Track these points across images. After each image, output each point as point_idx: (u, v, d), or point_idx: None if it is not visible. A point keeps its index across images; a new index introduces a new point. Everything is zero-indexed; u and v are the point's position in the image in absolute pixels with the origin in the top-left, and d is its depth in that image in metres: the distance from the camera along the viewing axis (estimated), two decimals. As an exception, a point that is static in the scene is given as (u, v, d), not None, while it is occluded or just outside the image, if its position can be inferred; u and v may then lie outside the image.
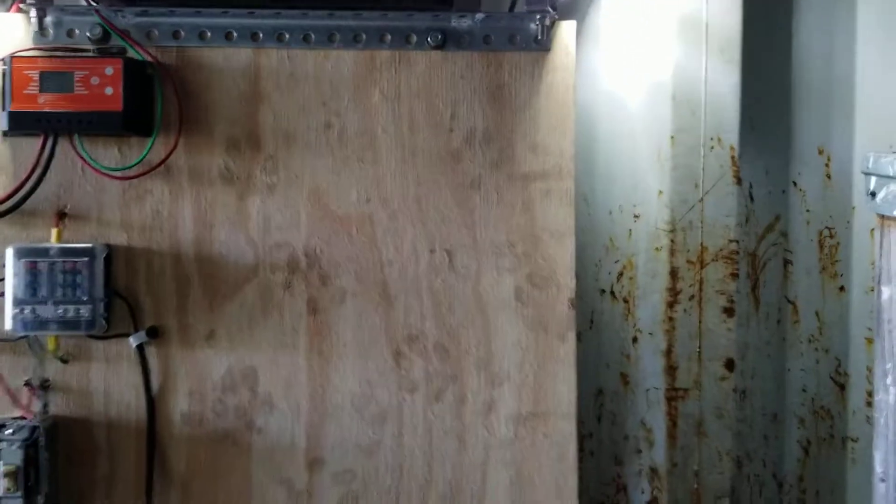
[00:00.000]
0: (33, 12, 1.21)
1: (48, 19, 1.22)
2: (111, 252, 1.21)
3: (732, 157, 1.40)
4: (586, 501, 1.43)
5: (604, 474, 1.46)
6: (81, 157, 1.20)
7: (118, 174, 1.21)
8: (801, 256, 1.45)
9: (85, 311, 1.18)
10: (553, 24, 1.26)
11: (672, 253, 1.41)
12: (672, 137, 1.40)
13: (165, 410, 1.22)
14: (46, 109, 1.17)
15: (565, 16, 1.29)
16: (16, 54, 1.18)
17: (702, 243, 1.41)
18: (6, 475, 1.14)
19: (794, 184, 1.45)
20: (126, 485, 1.21)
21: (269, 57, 1.25)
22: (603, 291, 1.46)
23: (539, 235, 1.25)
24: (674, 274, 1.41)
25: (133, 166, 1.21)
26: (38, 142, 1.18)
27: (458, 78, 1.26)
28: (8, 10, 1.27)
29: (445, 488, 1.24)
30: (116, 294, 1.21)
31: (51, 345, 1.19)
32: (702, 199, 1.40)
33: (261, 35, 1.24)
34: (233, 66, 1.24)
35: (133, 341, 1.21)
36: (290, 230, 1.25)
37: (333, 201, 1.25)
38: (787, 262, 1.46)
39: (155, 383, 1.22)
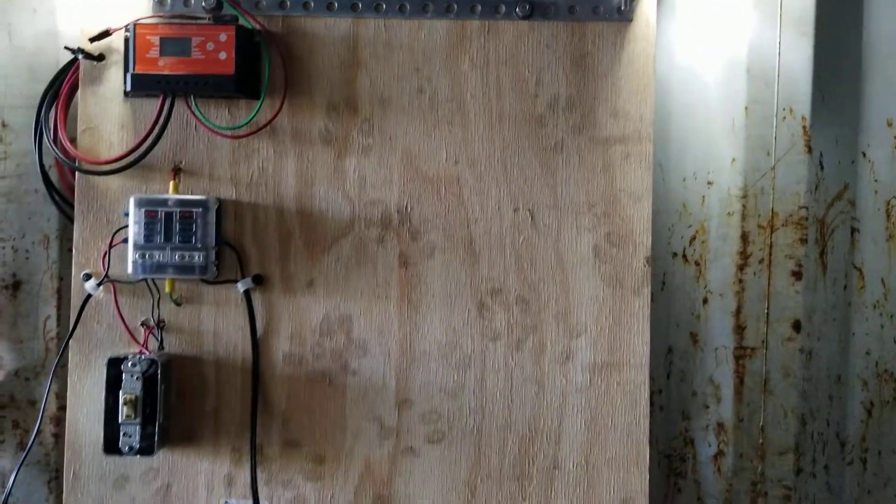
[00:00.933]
0: (154, -17, 1.32)
1: (167, -11, 1.33)
2: (221, 205, 1.32)
3: (804, 128, 1.46)
4: (655, 454, 1.49)
5: (672, 429, 1.53)
6: (196, 117, 1.30)
7: (228, 133, 1.32)
8: (869, 225, 1.50)
9: (198, 257, 1.28)
10: (635, -5, 1.33)
11: (743, 218, 1.47)
12: (746, 108, 1.45)
13: (268, 351, 1.32)
14: (166, 72, 1.27)
15: (647, -9, 1.36)
16: (139, 21, 1.28)
17: (772, 209, 1.46)
18: (126, 403, 1.25)
19: (864, 154, 1.50)
20: (231, 418, 1.32)
21: (366, 26, 1.33)
22: (675, 255, 1.52)
23: (618, 196, 1.33)
24: (745, 238, 1.47)
25: (242, 126, 1.31)
26: (157, 102, 1.29)
27: (544, 47, 1.33)
28: (129, -18, 1.39)
29: (524, 429, 1.32)
30: (226, 243, 1.31)
31: (168, 287, 1.30)
32: (773, 167, 1.46)
33: (360, 6, 1.33)
34: (333, 34, 1.33)
35: (240, 287, 1.31)
36: (384, 189, 1.34)
37: (424, 162, 1.34)
38: (854, 230, 1.51)
39: (259, 326, 1.32)
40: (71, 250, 1.33)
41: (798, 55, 1.44)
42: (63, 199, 1.40)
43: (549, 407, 1.32)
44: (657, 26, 1.34)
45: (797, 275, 1.48)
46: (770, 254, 1.47)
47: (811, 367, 1.50)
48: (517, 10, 1.33)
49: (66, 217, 1.39)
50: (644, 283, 1.32)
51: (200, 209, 1.29)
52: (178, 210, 1.28)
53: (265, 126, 1.32)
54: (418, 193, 1.34)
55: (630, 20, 1.33)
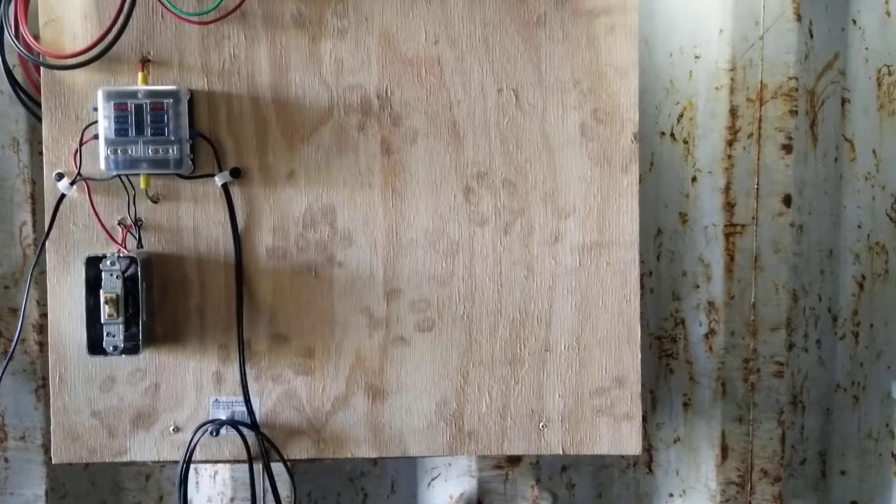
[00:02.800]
0: None
1: None
2: (193, 95, 1.27)
3: (793, -6, 1.41)
4: (646, 336, 1.49)
5: (662, 310, 1.52)
6: (161, 3, 1.24)
7: (196, 18, 1.26)
8: (859, 94, 1.47)
9: (172, 150, 1.24)
10: None
11: (732, 91, 1.43)
12: (733, -25, 1.41)
13: (251, 245, 1.29)
14: (126, -45, 1.22)
15: None
16: None
17: (761, 81, 1.43)
18: (107, 301, 1.23)
19: (854, 21, 1.45)
20: (216, 313, 1.30)
21: None
22: (662, 134, 1.49)
23: (603, 71, 1.28)
24: (733, 112, 1.44)
25: (210, 11, 1.25)
26: (120, -10, 1.23)
27: (522, -84, 1.28)
28: None
29: (514, 314, 1.31)
30: (200, 136, 1.27)
31: (143, 184, 1.26)
32: (762, 37, 1.42)
33: None
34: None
35: (218, 181, 1.27)
36: (362, 72, 1.29)
37: (403, 43, 1.29)
38: (844, 101, 1.48)
39: (240, 220, 1.28)
40: (41, 153, 1.29)
41: (787, -82, 1.39)
42: (30, 98, 1.35)
43: (539, 290, 1.31)
44: None
45: (787, 148, 1.45)
46: (759, 128, 1.44)
47: (802, 242, 1.49)
48: None
49: (35, 116, 1.34)
50: (632, 160, 1.28)
51: (171, 100, 1.23)
52: (149, 102, 1.23)
53: (234, 10, 1.25)
54: (398, 76, 1.29)
55: None
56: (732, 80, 1.43)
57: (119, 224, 1.28)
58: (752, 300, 1.49)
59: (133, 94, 1.23)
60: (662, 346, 1.53)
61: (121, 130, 1.23)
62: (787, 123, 1.45)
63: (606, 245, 1.30)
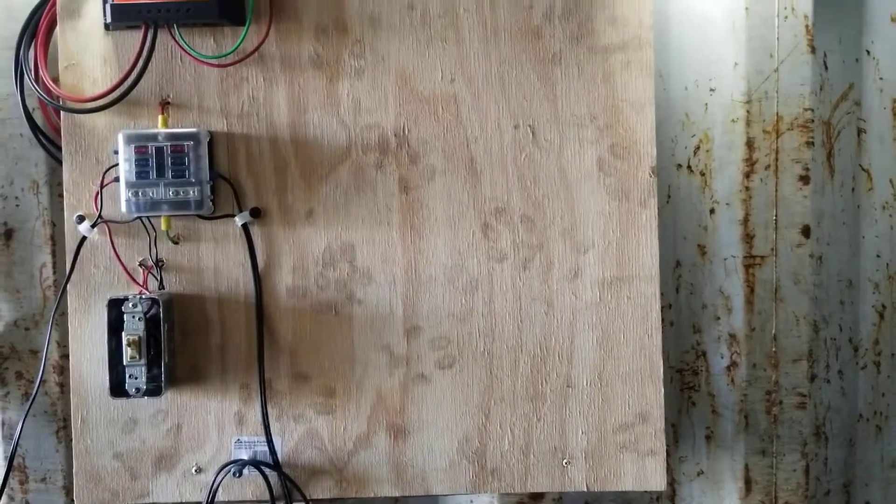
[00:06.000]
0: None
1: (140, -87, 1.27)
2: (213, 137, 1.28)
3: (806, 27, 1.41)
4: (668, 369, 1.48)
5: (683, 343, 1.51)
6: (180, 46, 1.26)
7: (215, 62, 1.27)
8: (875, 124, 1.47)
9: (193, 192, 1.25)
10: None
11: (748, 124, 1.43)
12: (746, 9, 1.40)
13: (271, 285, 1.30)
14: (146, 0, 1.23)
15: None
16: (114, -52, 1.23)
17: (777, 113, 1.43)
18: (130, 344, 1.23)
19: (867, 52, 1.46)
20: (238, 355, 1.30)
21: (350, -58, 1.29)
22: (679, 166, 1.49)
23: (620, 107, 1.29)
24: (750, 144, 1.44)
25: (229, 54, 1.27)
26: (140, 33, 1.24)
27: (536, -46, 1.29)
28: None
29: (535, 349, 1.30)
30: (220, 177, 1.28)
31: (164, 225, 1.26)
32: (777, 70, 1.42)
33: (341, -79, 1.28)
34: (317, -48, 1.29)
35: (238, 221, 1.28)
36: (379, 111, 1.30)
37: (419, 82, 1.30)
38: (860, 131, 1.48)
39: (260, 260, 1.29)
40: (61, 195, 1.30)
41: (798, -49, 1.40)
42: (50, 142, 1.36)
43: (560, 325, 1.30)
44: (651, -72, 1.29)
45: (805, 179, 1.45)
46: (776, 159, 1.44)
47: (822, 273, 1.48)
48: (507, -84, 1.28)
49: (55, 160, 1.35)
50: (650, 195, 1.29)
51: (192, 142, 1.24)
52: (169, 144, 1.24)
53: (252, 53, 1.27)
54: (415, 115, 1.30)
55: (624, -78, 1.28)
56: (748, 112, 1.43)
57: (140, 265, 1.29)
58: (773, 332, 1.48)
59: (153, 137, 1.24)
60: (684, 379, 1.52)
61: (141, 173, 1.24)
62: (804, 155, 1.45)
63: (626, 280, 1.30)
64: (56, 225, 1.42)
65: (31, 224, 1.42)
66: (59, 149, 1.31)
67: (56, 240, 1.42)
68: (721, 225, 1.48)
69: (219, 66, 1.27)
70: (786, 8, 1.41)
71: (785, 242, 1.46)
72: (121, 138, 1.24)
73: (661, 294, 1.30)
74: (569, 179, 1.29)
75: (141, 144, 1.24)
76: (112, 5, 1.22)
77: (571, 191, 1.29)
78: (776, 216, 1.45)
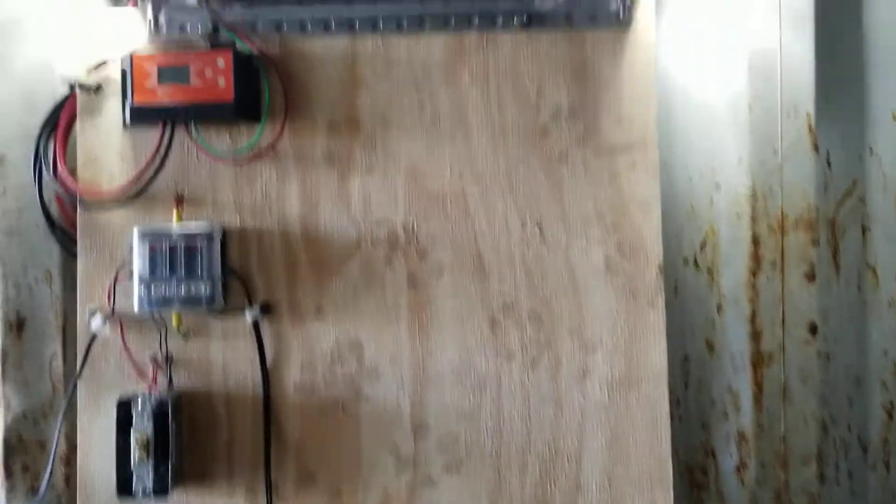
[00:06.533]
0: (149, 10, 1.29)
1: (162, 16, 1.30)
2: (226, 232, 1.29)
3: (809, 125, 1.44)
4: (676, 465, 1.46)
5: (692, 439, 1.50)
6: (197, 144, 1.29)
7: (230, 159, 1.30)
8: (880, 221, 1.47)
9: (204, 288, 1.26)
10: (633, 1, 1.31)
11: (753, 220, 1.45)
12: (749, 105, 1.43)
13: (279, 381, 1.30)
14: (165, 101, 1.26)
15: (644, -5, 1.34)
16: (136, 52, 1.26)
17: (782, 209, 1.44)
18: (138, 443, 1.22)
19: (871, 150, 1.48)
20: (244, 450, 1.29)
21: (364, 44, 1.32)
22: (686, 260, 1.50)
23: (626, 206, 1.30)
24: (756, 241, 1.45)
25: (244, 151, 1.30)
26: (157, 131, 1.27)
27: (543, 56, 1.32)
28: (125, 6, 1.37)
29: (544, 450, 1.29)
30: (232, 272, 1.29)
31: (175, 321, 1.28)
32: (781, 166, 1.44)
33: (357, 24, 1.31)
34: (332, 53, 1.31)
35: (248, 317, 1.29)
36: (389, 207, 1.32)
37: (428, 179, 1.32)
38: (865, 228, 1.49)
39: (269, 356, 1.29)
40: (74, 286, 1.31)
41: (799, 51, 1.42)
42: (64, 234, 1.38)
43: (569, 426, 1.30)
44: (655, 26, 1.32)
45: (810, 277, 1.46)
46: (782, 257, 1.45)
47: (829, 371, 1.48)
48: (514, 20, 1.31)
49: (69, 253, 1.37)
50: (658, 294, 1.29)
51: (205, 239, 1.26)
52: (183, 241, 1.26)
53: (267, 150, 1.30)
54: (424, 211, 1.32)
55: (628, 26, 1.31)
56: (753, 208, 1.45)
57: (150, 360, 1.29)
58: (783, 431, 1.47)
59: (167, 234, 1.26)
60: (693, 478, 1.50)
61: (154, 269, 1.26)
62: (810, 252, 1.46)
63: (635, 381, 1.29)
64: (68, 315, 1.43)
65: (43, 314, 1.43)
66: (74, 241, 1.33)
67: (67, 330, 1.43)
68: (728, 322, 1.48)
69: (234, 163, 1.30)
70: (788, 106, 1.43)
71: (792, 340, 1.46)
72: (135, 234, 1.26)
73: (670, 389, 1.30)
74: (576, 277, 1.30)
75: (155, 241, 1.25)
76: (131, 106, 1.25)
77: (579, 289, 1.30)
78: (783, 314, 1.46)
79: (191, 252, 1.26)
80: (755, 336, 1.47)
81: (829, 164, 1.46)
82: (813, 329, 1.46)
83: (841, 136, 1.47)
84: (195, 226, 1.28)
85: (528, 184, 1.32)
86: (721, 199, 1.48)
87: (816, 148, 1.44)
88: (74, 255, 1.32)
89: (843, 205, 1.48)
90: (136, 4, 1.31)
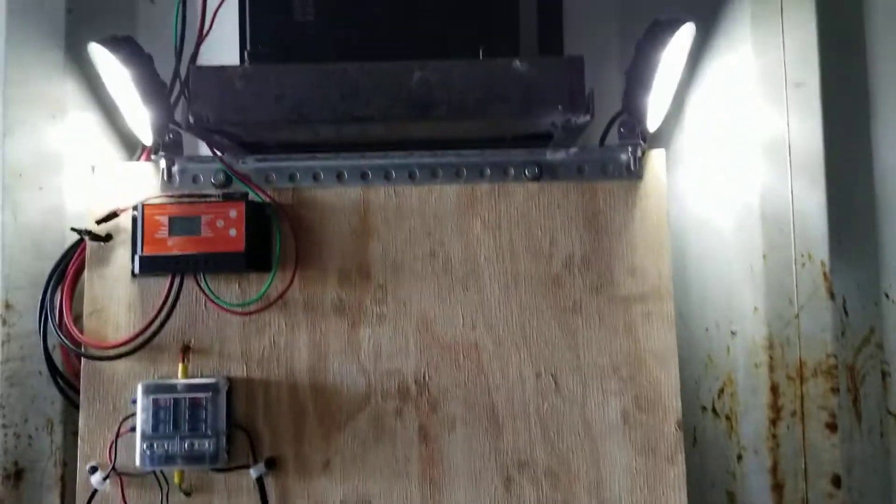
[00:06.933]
0: (163, 162, 1.31)
1: (175, 168, 1.32)
2: (232, 385, 1.27)
3: (824, 273, 1.42)
4: None
5: None
6: (206, 295, 1.27)
7: (239, 310, 1.28)
8: (900, 368, 1.45)
9: (208, 444, 1.22)
10: (644, 153, 1.32)
11: (772, 369, 1.42)
12: (764, 255, 1.42)
13: (284, 540, 1.25)
14: (175, 252, 1.25)
15: (654, 144, 1.35)
16: (147, 202, 1.27)
17: (800, 358, 1.42)
18: None
19: (886, 295, 1.46)
20: None
21: (377, 193, 1.32)
22: (704, 409, 1.47)
23: (643, 358, 1.28)
24: (774, 390, 1.42)
25: (253, 302, 1.28)
26: (166, 281, 1.26)
27: (555, 207, 1.32)
28: (138, 159, 1.38)
29: None
30: (237, 426, 1.25)
31: (177, 478, 1.23)
32: (797, 315, 1.42)
33: (369, 174, 1.32)
34: (344, 202, 1.32)
35: (253, 473, 1.24)
36: (400, 358, 1.29)
37: (440, 328, 1.30)
38: (885, 374, 1.46)
39: (273, 513, 1.25)
40: (75, 434, 1.27)
41: (811, 200, 1.42)
42: (67, 383, 1.35)
43: (587, 589, 1.24)
44: (667, 177, 1.33)
45: (832, 427, 1.41)
46: (802, 406, 1.41)
47: (856, 525, 1.42)
48: (526, 172, 1.32)
49: (71, 404, 1.33)
50: (678, 450, 1.25)
51: (210, 393, 1.23)
52: (188, 396, 1.22)
53: (277, 300, 1.28)
54: (436, 361, 1.29)
55: (640, 178, 1.31)
56: (771, 357, 1.42)
57: (149, 517, 1.24)
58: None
59: (172, 388, 1.23)
60: None
61: (158, 425, 1.22)
62: (830, 401, 1.42)
63: (655, 541, 1.24)
64: (67, 465, 1.38)
65: (42, 464, 1.38)
66: (76, 391, 1.30)
67: (66, 481, 1.38)
68: (749, 472, 1.43)
69: (243, 314, 1.28)
70: (803, 255, 1.43)
71: (816, 493, 1.40)
72: (140, 389, 1.23)
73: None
74: (593, 432, 1.27)
75: (159, 396, 1.22)
76: (141, 257, 1.25)
77: (596, 444, 1.26)
78: (805, 465, 1.41)
79: (195, 406, 1.22)
80: (777, 488, 1.41)
81: (845, 310, 1.45)
82: (836, 481, 1.40)
83: (856, 283, 1.46)
84: (200, 379, 1.25)
85: (542, 334, 1.29)
86: (738, 347, 1.45)
87: (832, 295, 1.43)
88: (76, 406, 1.29)
89: (862, 352, 1.46)
90: (149, 157, 1.33)
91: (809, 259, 1.43)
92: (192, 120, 1.14)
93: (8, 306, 1.38)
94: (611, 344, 1.29)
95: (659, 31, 1.26)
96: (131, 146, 1.45)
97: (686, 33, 1.27)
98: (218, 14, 1.33)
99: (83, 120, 1.45)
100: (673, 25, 1.26)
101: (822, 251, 1.43)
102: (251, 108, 1.15)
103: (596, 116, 1.22)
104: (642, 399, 1.27)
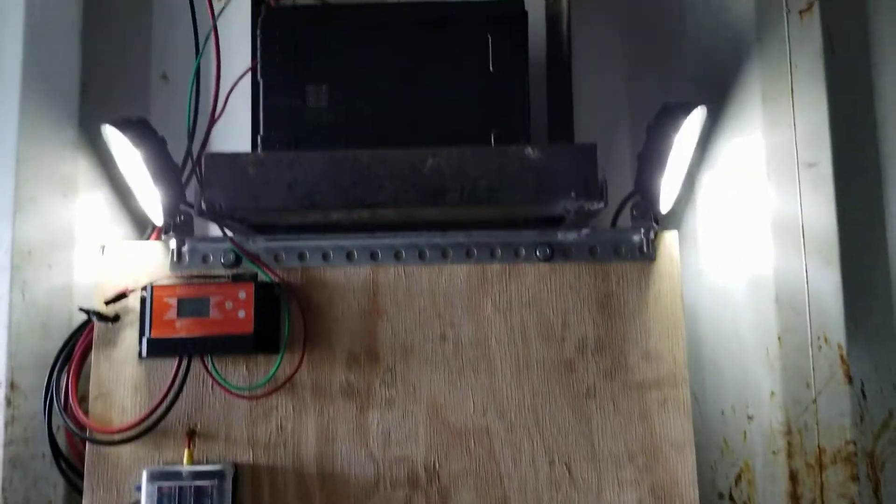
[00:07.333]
0: (173, 242, 1.30)
1: (185, 248, 1.31)
2: (238, 471, 1.24)
3: (841, 356, 1.40)
4: None
5: None
6: (213, 378, 1.26)
7: (247, 393, 1.26)
8: (921, 455, 1.42)
9: (213, 533, 1.19)
10: (656, 235, 1.31)
11: (790, 455, 1.38)
12: (779, 337, 1.40)
13: None
14: (183, 335, 1.24)
15: (666, 223, 1.34)
16: (156, 282, 1.26)
17: (819, 445, 1.38)
18: None
19: (905, 379, 1.44)
20: None
21: (386, 273, 1.31)
22: (721, 496, 1.42)
23: (658, 446, 1.25)
24: (793, 478, 1.38)
25: (261, 386, 1.26)
26: (173, 364, 1.25)
27: (567, 288, 1.30)
28: (147, 238, 1.37)
29: None
30: (242, 513, 1.23)
31: (179, 568, 1.20)
32: (815, 400, 1.39)
33: (379, 254, 1.31)
34: (353, 283, 1.30)
35: (257, 563, 1.21)
36: (409, 444, 1.26)
37: (450, 413, 1.27)
38: (906, 461, 1.43)
39: None
40: (77, 517, 1.25)
41: (826, 282, 1.41)
42: (70, 466, 1.32)
43: None
44: (680, 257, 1.31)
45: (854, 516, 1.38)
46: (822, 494, 1.37)
47: None
48: (537, 252, 1.31)
49: (73, 487, 1.31)
50: (695, 543, 1.22)
51: (216, 480, 1.20)
52: (193, 484, 1.20)
53: (284, 383, 1.26)
54: (446, 448, 1.26)
55: (653, 259, 1.30)
56: (789, 443, 1.39)
57: None
58: None
59: (177, 475, 1.20)
60: None
61: (162, 513, 1.19)
62: (850, 489, 1.38)
63: None
64: (67, 551, 1.35)
65: (42, 550, 1.35)
66: (80, 475, 1.27)
67: (66, 569, 1.35)
68: (770, 564, 1.39)
69: (250, 397, 1.26)
70: (819, 338, 1.40)
71: (838, 587, 1.36)
72: (144, 476, 1.20)
73: None
74: (608, 522, 1.23)
75: (164, 483, 1.19)
76: (149, 339, 1.23)
77: (611, 535, 1.23)
78: (827, 557, 1.37)
79: (200, 495, 1.19)
80: (800, 583, 1.37)
81: (863, 394, 1.42)
82: (860, 574, 1.36)
83: (874, 365, 1.43)
84: (206, 466, 1.22)
85: (556, 420, 1.27)
86: (755, 433, 1.42)
87: (850, 379, 1.40)
88: (79, 490, 1.26)
89: (881, 437, 1.42)
90: (158, 237, 1.32)
91: (826, 342, 1.41)
92: (204, 207, 1.14)
93: (13, 386, 1.36)
94: (626, 431, 1.26)
95: (671, 114, 1.26)
96: (142, 224, 1.44)
97: (697, 116, 1.28)
98: (231, 95, 1.35)
99: (94, 198, 1.45)
100: (685, 109, 1.26)
101: (838, 333, 1.41)
102: (264, 195, 1.15)
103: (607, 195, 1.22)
104: (659, 489, 1.24)
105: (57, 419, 1.30)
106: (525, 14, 1.28)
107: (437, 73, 1.27)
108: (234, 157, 1.17)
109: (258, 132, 1.26)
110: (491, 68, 1.26)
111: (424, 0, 1.31)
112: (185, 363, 1.25)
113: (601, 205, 1.16)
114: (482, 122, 1.25)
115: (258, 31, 1.29)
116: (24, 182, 1.40)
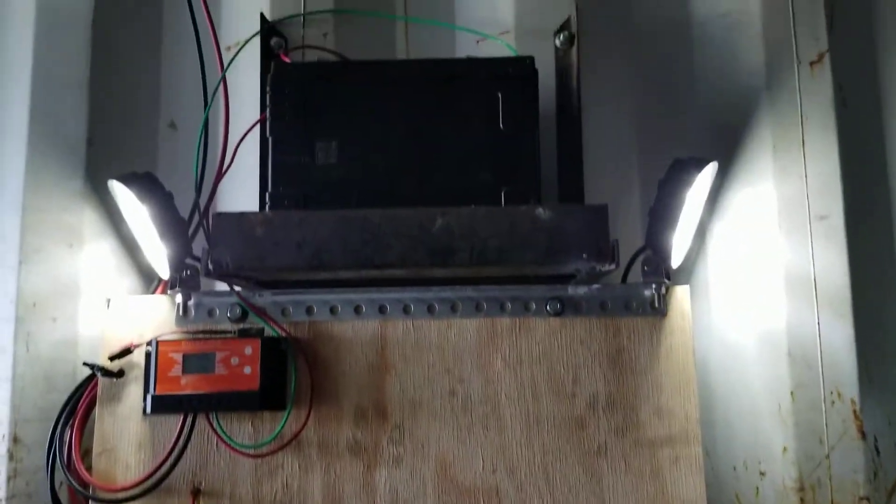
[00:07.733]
0: (179, 297, 1.29)
1: (191, 302, 1.30)
2: (243, 532, 1.22)
3: (854, 412, 1.38)
4: None
5: None
6: (218, 435, 1.24)
7: (252, 451, 1.24)
8: (937, 511, 1.39)
9: None
10: (668, 290, 1.29)
11: (803, 514, 1.37)
12: (792, 392, 1.39)
13: None
14: (188, 391, 1.22)
15: (677, 276, 1.33)
16: (161, 338, 1.24)
17: (832, 501, 1.36)
18: None
19: (921, 429, 1.42)
20: None
21: (395, 327, 1.29)
22: (734, 554, 1.41)
23: (671, 505, 1.23)
24: (807, 536, 1.36)
25: (266, 443, 1.24)
26: (178, 421, 1.23)
27: (578, 343, 1.29)
28: (154, 291, 1.36)
29: None
30: (247, 575, 1.21)
31: None
32: (828, 456, 1.38)
33: (387, 307, 1.30)
34: (361, 337, 1.29)
35: None
36: (417, 503, 1.24)
37: (459, 472, 1.25)
38: (922, 519, 1.41)
39: None
40: (77, 576, 1.23)
41: (839, 336, 1.39)
42: (72, 524, 1.30)
43: None
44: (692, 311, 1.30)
45: (869, 577, 1.36)
46: (837, 554, 1.36)
47: None
48: (548, 307, 1.29)
49: (74, 547, 1.29)
50: None
51: (221, 541, 1.19)
52: (197, 545, 1.18)
53: (291, 441, 1.24)
54: (455, 507, 1.25)
55: (664, 314, 1.29)
56: (802, 500, 1.37)
57: None
58: None
59: (181, 536, 1.19)
60: None
61: (165, 575, 1.17)
62: (866, 549, 1.37)
63: None
64: None
65: None
66: (82, 532, 1.26)
67: None
68: None
69: (255, 455, 1.24)
70: (832, 393, 1.39)
71: None
72: (147, 538, 1.18)
73: None
74: (620, 585, 1.21)
75: (168, 545, 1.18)
76: (153, 396, 1.22)
77: None
78: None
79: (206, 558, 1.18)
80: None
81: (877, 450, 1.40)
82: None
83: (887, 421, 1.41)
84: (211, 527, 1.21)
85: (566, 479, 1.25)
86: (768, 489, 1.40)
87: (863, 434, 1.38)
88: (80, 550, 1.25)
89: (895, 494, 1.40)
90: (165, 290, 1.31)
91: (839, 397, 1.39)
92: (211, 267, 1.13)
93: (16, 440, 1.35)
94: (637, 490, 1.24)
95: (683, 170, 1.25)
96: (148, 276, 1.43)
97: (709, 172, 1.27)
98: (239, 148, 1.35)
99: (100, 250, 1.43)
100: (697, 165, 1.25)
101: (851, 388, 1.39)
102: (272, 254, 1.14)
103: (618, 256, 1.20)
104: (671, 551, 1.22)
105: (59, 475, 1.28)
106: (535, 71, 1.28)
107: (447, 131, 1.27)
108: (242, 217, 1.15)
109: (266, 188, 1.25)
110: (501, 126, 1.26)
111: (435, 57, 1.31)
112: (189, 420, 1.23)
113: (613, 266, 1.15)
114: (492, 179, 1.24)
115: (268, 88, 1.29)
116: (29, 233, 1.39)
